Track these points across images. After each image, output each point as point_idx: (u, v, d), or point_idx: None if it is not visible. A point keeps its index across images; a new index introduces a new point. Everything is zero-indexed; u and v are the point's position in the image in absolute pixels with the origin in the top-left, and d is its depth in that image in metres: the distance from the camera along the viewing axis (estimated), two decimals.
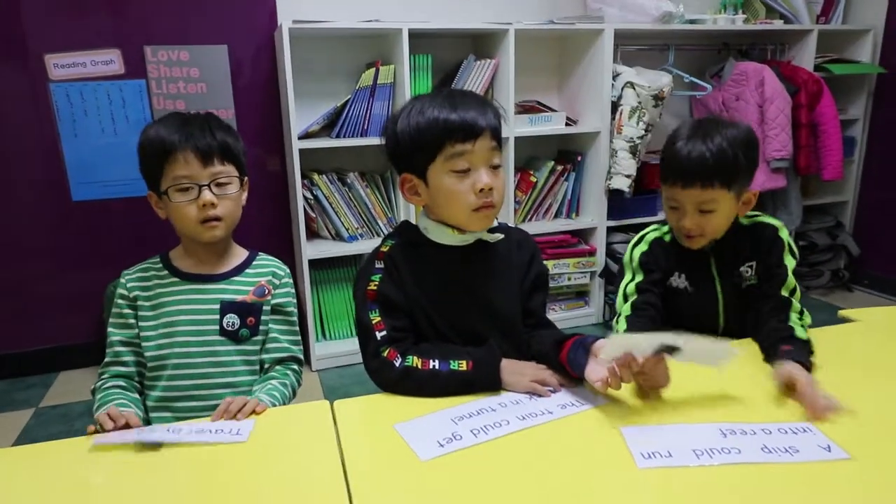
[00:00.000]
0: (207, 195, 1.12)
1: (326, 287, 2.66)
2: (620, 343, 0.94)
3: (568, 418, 0.93)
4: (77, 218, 2.53)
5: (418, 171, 1.07)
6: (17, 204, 2.47)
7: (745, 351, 1.18)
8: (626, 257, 1.34)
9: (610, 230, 2.88)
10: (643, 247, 1.32)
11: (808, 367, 1.03)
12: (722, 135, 1.15)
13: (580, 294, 2.96)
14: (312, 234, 2.65)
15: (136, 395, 1.16)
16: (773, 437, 0.87)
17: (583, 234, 2.93)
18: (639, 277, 1.29)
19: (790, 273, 1.20)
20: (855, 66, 3.08)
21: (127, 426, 0.95)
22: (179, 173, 1.12)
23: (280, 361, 1.22)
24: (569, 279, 2.83)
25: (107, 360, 1.17)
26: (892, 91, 3.11)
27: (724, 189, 1.16)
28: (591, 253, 2.85)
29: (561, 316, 2.89)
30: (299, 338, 1.27)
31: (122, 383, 1.15)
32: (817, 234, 3.23)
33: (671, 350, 0.93)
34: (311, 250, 2.50)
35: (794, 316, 1.16)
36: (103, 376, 1.16)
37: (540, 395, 0.99)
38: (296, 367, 1.24)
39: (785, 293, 1.20)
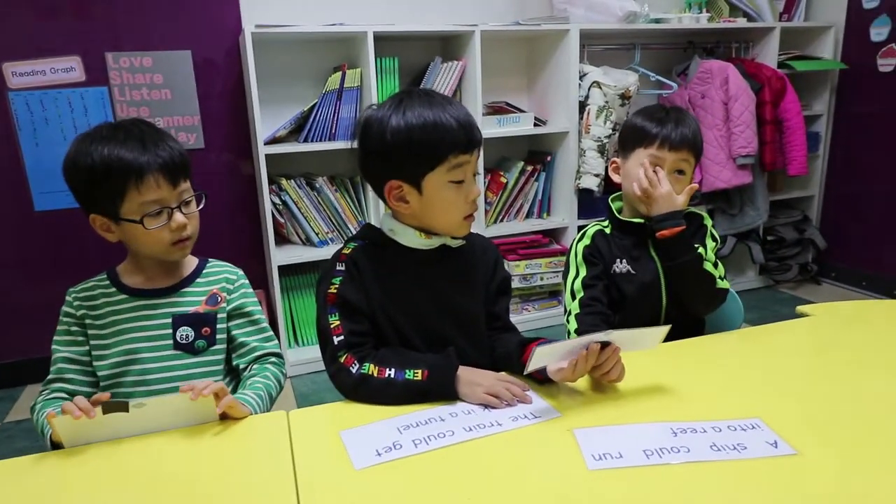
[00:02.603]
0: (180, 218, 1.08)
1: (298, 293, 2.64)
2: (545, 354, 0.97)
3: (518, 430, 0.92)
4: (40, 228, 2.49)
5: (412, 179, 1.04)
6: None
7: (695, 349, 1.19)
8: (571, 253, 1.40)
9: (580, 229, 2.88)
10: (586, 241, 1.39)
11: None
12: (690, 117, 1.36)
13: (553, 294, 2.97)
14: (283, 239, 2.63)
15: None
16: (721, 434, 0.88)
17: (554, 234, 2.94)
18: (583, 272, 1.35)
19: (710, 251, 1.36)
20: (817, 62, 3.14)
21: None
22: (151, 198, 1.05)
23: (255, 361, 1.20)
24: (541, 279, 2.84)
25: (49, 377, 1.12)
26: (853, 86, 3.18)
27: (694, 157, 1.34)
28: (563, 252, 2.86)
29: (534, 316, 2.90)
30: (271, 334, 1.23)
31: (65, 397, 1.11)
32: (784, 229, 3.28)
33: (603, 344, 0.98)
34: (280, 256, 2.48)
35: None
36: (43, 392, 1.12)
37: (493, 407, 0.99)
38: (274, 359, 1.21)
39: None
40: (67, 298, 1.16)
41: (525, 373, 1.01)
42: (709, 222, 1.42)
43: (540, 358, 0.97)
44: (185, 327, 1.16)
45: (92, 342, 1.14)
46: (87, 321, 1.14)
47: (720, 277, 1.33)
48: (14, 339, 2.54)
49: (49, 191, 2.46)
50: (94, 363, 1.13)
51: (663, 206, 1.29)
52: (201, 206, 1.15)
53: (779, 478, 0.79)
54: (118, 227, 1.09)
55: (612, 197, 1.44)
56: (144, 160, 1.04)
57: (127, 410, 0.91)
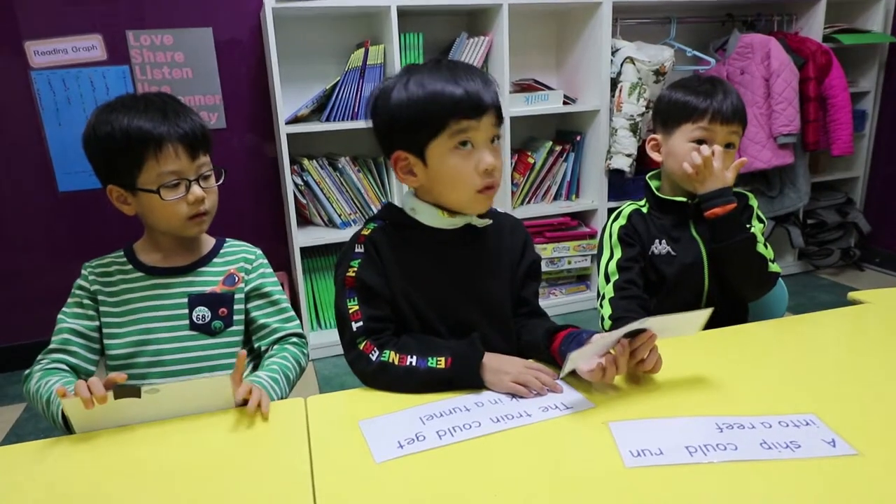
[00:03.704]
0: (198, 191, 1.06)
1: (320, 275, 2.61)
2: (579, 358, 0.91)
3: (549, 421, 0.86)
4: (65, 209, 2.49)
5: (416, 148, 0.99)
6: (3, 196, 2.43)
7: (739, 337, 1.11)
8: (605, 234, 1.33)
9: (611, 212, 2.78)
10: (621, 221, 1.32)
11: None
12: (730, 86, 1.28)
13: (581, 278, 2.89)
14: (305, 221, 2.59)
15: None
16: (773, 430, 0.81)
17: (583, 217, 2.85)
18: (618, 254, 1.28)
19: (758, 234, 1.28)
20: (866, 35, 2.97)
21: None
22: (169, 168, 1.03)
23: (276, 343, 1.16)
24: (569, 263, 2.76)
25: (51, 346, 1.08)
26: None
27: (742, 129, 1.26)
28: (592, 236, 2.77)
29: (561, 301, 2.83)
30: (292, 314, 1.19)
31: (65, 369, 1.07)
32: (826, 212, 3.13)
33: (636, 333, 0.92)
34: (302, 238, 2.44)
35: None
36: (42, 361, 1.07)
37: (521, 397, 0.93)
38: (295, 340, 1.17)
39: None
40: (83, 272, 1.13)
41: (559, 378, 0.95)
42: (754, 203, 1.34)
43: (574, 361, 0.91)
44: (202, 307, 1.12)
45: (104, 319, 1.11)
46: (101, 297, 1.11)
47: (771, 261, 1.26)
48: (38, 318, 2.54)
49: (73, 171, 2.46)
50: (106, 341, 1.10)
51: (714, 184, 1.20)
52: (220, 182, 1.13)
53: (838, 480, 0.72)
54: (135, 199, 1.07)
55: (649, 175, 1.35)
56: (164, 130, 1.02)
57: (139, 396, 0.87)
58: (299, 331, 1.19)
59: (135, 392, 0.87)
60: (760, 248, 1.23)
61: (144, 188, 1.04)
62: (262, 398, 0.91)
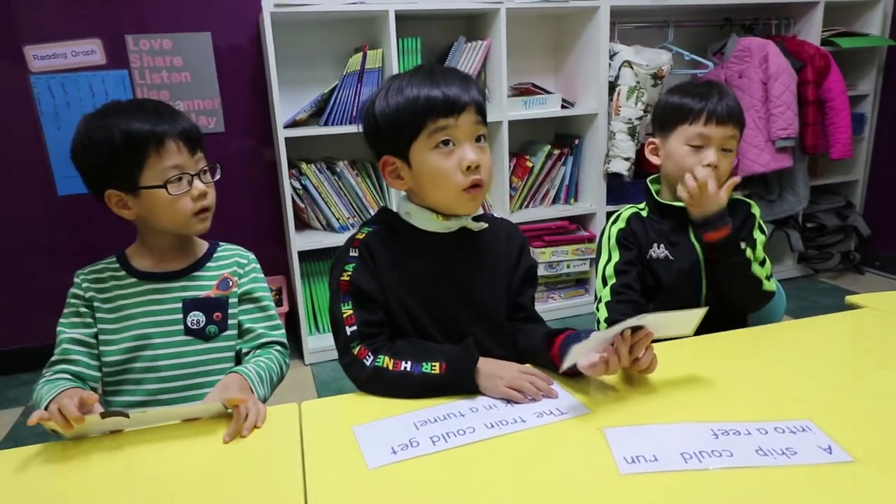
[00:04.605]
0: (200, 185, 1.07)
1: (318, 279, 2.60)
2: (579, 350, 0.91)
3: (543, 427, 0.86)
4: (64, 212, 2.49)
5: (400, 152, 1.00)
6: (2, 200, 2.43)
7: (736, 342, 1.11)
8: (604, 237, 1.33)
9: (609, 215, 2.78)
10: (620, 224, 1.32)
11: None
12: (727, 89, 1.28)
13: (579, 282, 2.89)
14: (303, 224, 2.59)
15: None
16: (768, 437, 0.80)
17: (581, 220, 2.85)
18: (616, 257, 1.29)
19: (759, 245, 1.27)
20: (864, 38, 2.96)
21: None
22: (172, 163, 1.04)
23: (259, 347, 1.16)
24: (567, 266, 2.76)
25: (53, 358, 1.09)
26: None
27: (739, 132, 1.25)
28: (591, 239, 2.77)
29: (560, 304, 2.82)
30: (278, 322, 1.20)
31: (69, 378, 1.07)
32: (826, 216, 3.13)
33: (634, 329, 0.92)
34: (301, 241, 2.44)
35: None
36: (46, 374, 1.07)
37: (516, 402, 0.92)
38: (279, 348, 1.17)
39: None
40: (76, 280, 1.12)
41: (560, 371, 0.95)
42: (757, 212, 1.33)
43: (575, 354, 0.91)
44: (196, 312, 1.12)
45: (100, 326, 1.10)
46: (96, 304, 1.10)
47: (767, 277, 1.26)
48: (38, 322, 2.55)
49: (72, 175, 2.43)
50: (102, 348, 1.10)
51: (709, 207, 1.20)
52: (217, 178, 1.14)
53: (834, 487, 0.71)
54: (136, 201, 1.06)
55: (650, 178, 1.35)
56: (164, 127, 1.04)
57: (128, 417, 0.87)
58: (283, 340, 1.19)
59: (123, 415, 0.86)
60: (756, 268, 1.23)
61: (149, 185, 1.04)
62: (258, 415, 0.91)
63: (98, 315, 1.10)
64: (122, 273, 1.12)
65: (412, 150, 0.99)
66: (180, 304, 1.11)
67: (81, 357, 1.09)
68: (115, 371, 1.10)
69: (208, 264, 1.16)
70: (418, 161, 0.99)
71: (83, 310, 1.10)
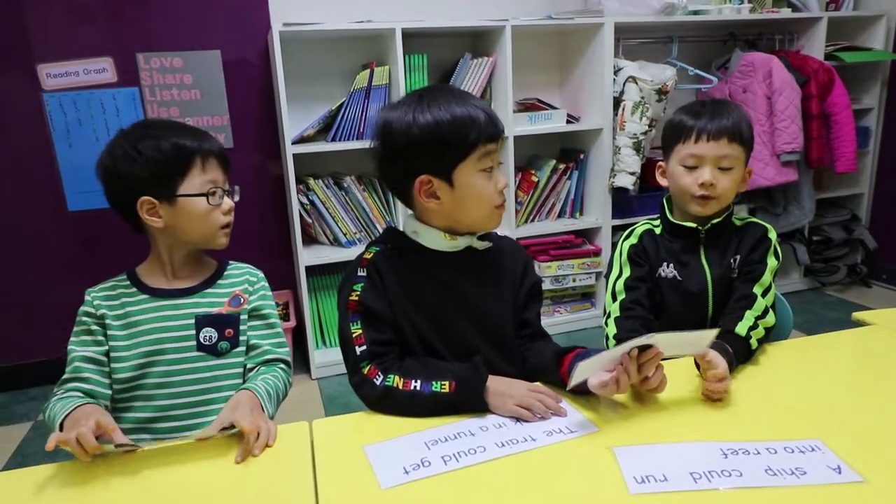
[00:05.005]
0: (230, 201, 1.15)
1: (325, 293, 2.61)
2: (588, 367, 0.91)
3: (553, 446, 0.86)
4: (74, 228, 2.51)
5: (442, 172, 1.00)
6: (14, 215, 2.46)
7: (745, 366, 1.10)
8: (616, 252, 1.33)
9: (615, 229, 2.80)
10: (633, 240, 1.32)
11: (727, 360, 1.00)
12: (732, 107, 1.25)
13: (585, 296, 2.88)
14: (311, 239, 2.61)
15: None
16: (778, 456, 0.81)
17: (587, 234, 2.85)
18: (626, 273, 1.29)
19: (768, 272, 1.22)
20: (868, 53, 2.98)
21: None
22: (210, 177, 1.11)
23: (264, 364, 1.17)
24: (573, 280, 2.76)
25: (64, 377, 1.09)
26: None
27: (741, 148, 1.22)
28: (596, 253, 2.77)
29: (566, 318, 2.82)
30: (283, 340, 1.21)
31: (80, 396, 1.07)
32: (832, 229, 3.12)
33: (643, 348, 0.92)
34: (308, 256, 2.45)
35: (749, 314, 1.16)
36: (57, 393, 1.08)
37: (526, 420, 0.93)
38: (283, 366, 1.18)
39: (757, 290, 1.21)
40: (87, 298, 1.14)
41: (568, 388, 0.96)
42: (773, 236, 1.27)
43: (583, 372, 0.91)
44: (209, 328, 1.13)
45: (111, 343, 1.11)
46: (108, 320, 1.11)
47: (748, 325, 1.14)
48: (49, 337, 2.57)
49: (82, 191, 2.49)
50: (113, 365, 1.11)
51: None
52: (237, 200, 1.19)
53: None
54: (170, 209, 1.09)
55: (666, 196, 1.34)
56: (207, 144, 1.12)
57: (140, 447, 0.89)
58: (288, 358, 1.20)
59: (134, 447, 0.89)
60: (753, 343, 1.12)
61: (189, 193, 1.09)
62: (269, 434, 0.93)
63: (110, 332, 1.12)
64: (133, 290, 1.14)
65: (458, 170, 1.00)
66: (192, 320, 1.12)
67: (93, 375, 1.09)
68: (126, 388, 1.11)
69: (219, 281, 1.17)
70: (465, 182, 1.01)
71: (94, 327, 1.11)
